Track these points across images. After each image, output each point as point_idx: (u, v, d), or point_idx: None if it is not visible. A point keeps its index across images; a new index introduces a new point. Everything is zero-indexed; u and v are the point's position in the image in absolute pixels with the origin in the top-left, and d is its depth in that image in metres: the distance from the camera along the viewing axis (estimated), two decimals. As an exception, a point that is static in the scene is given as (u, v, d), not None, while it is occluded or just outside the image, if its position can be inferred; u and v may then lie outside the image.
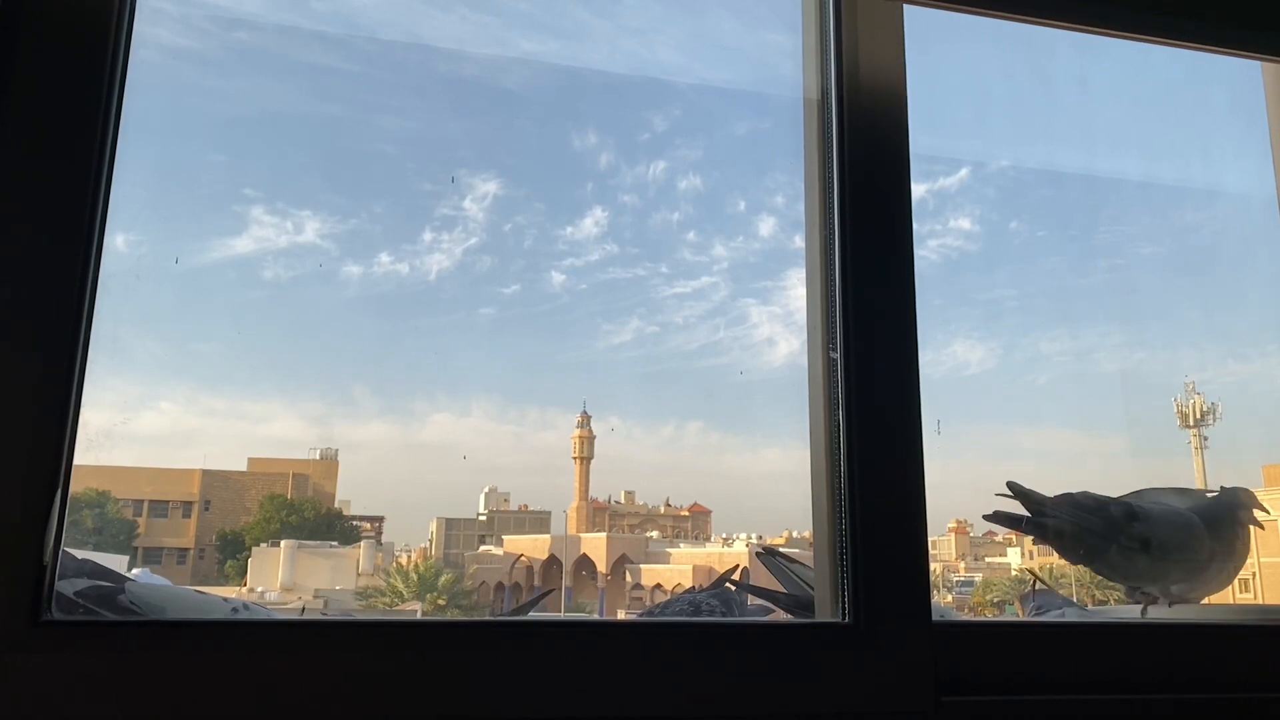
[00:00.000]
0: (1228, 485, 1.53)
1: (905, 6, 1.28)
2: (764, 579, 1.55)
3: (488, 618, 1.29)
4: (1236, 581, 1.50)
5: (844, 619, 1.13)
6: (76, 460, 0.96)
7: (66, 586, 1.05)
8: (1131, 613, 1.45)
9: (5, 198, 0.96)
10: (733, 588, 1.51)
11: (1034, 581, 1.79)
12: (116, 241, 1.04)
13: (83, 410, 0.98)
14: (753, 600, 1.47)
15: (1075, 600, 1.74)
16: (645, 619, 1.36)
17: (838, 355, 1.19)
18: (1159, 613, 1.46)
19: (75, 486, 0.96)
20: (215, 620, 1.08)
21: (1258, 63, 1.59)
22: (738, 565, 1.61)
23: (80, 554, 1.23)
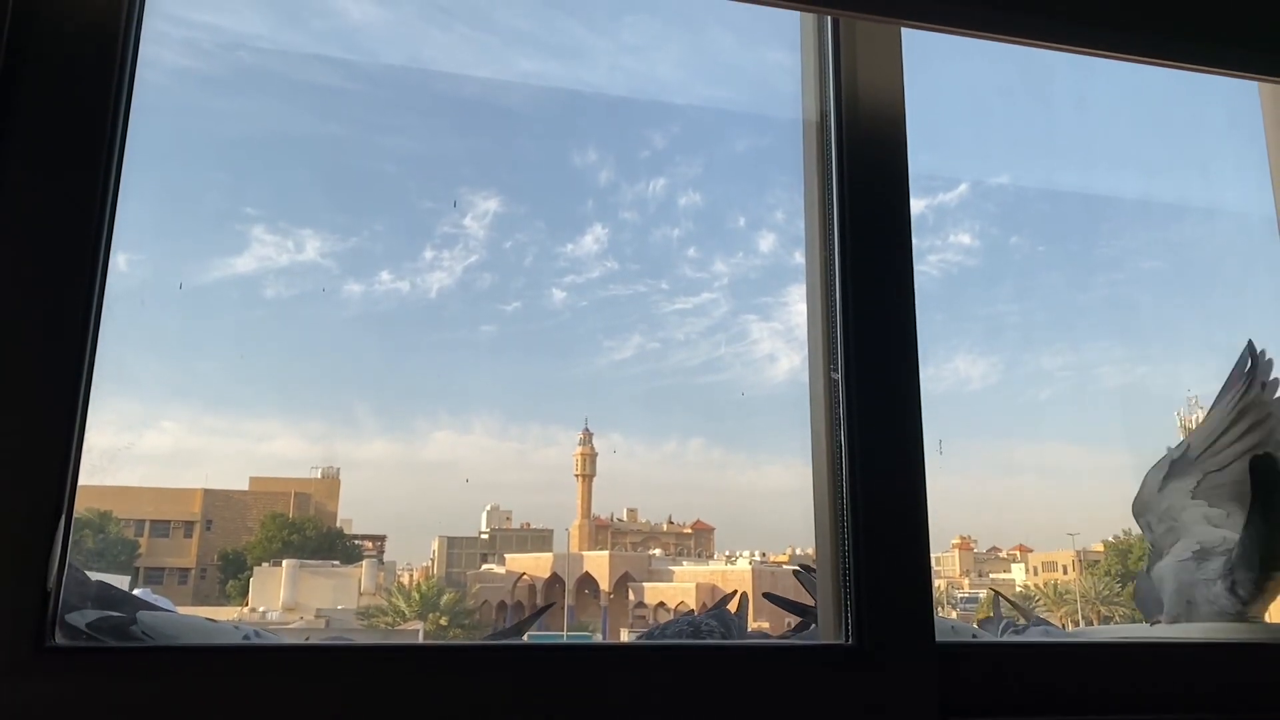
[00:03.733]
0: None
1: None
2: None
3: (492, 641, 1.28)
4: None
5: (847, 640, 1.12)
6: (80, 481, 0.96)
7: (78, 618, 1.04)
8: (1135, 630, 1.44)
9: (12, 220, 0.97)
10: (727, 607, 1.52)
11: (993, 597, 1.77)
12: (118, 261, 1.04)
13: (87, 431, 0.98)
14: (754, 625, 1.48)
15: (1050, 618, 1.73)
16: (646, 642, 1.35)
17: (839, 376, 1.19)
18: (1170, 630, 1.46)
19: (77, 508, 0.96)
20: (219, 645, 1.08)
21: (1254, 81, 1.60)
22: (737, 591, 1.61)
23: (92, 575, 1.22)
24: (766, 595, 1.56)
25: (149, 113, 1.11)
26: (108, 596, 1.15)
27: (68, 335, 0.96)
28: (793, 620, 1.54)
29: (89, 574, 1.20)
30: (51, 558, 0.91)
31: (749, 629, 1.58)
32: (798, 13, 1.36)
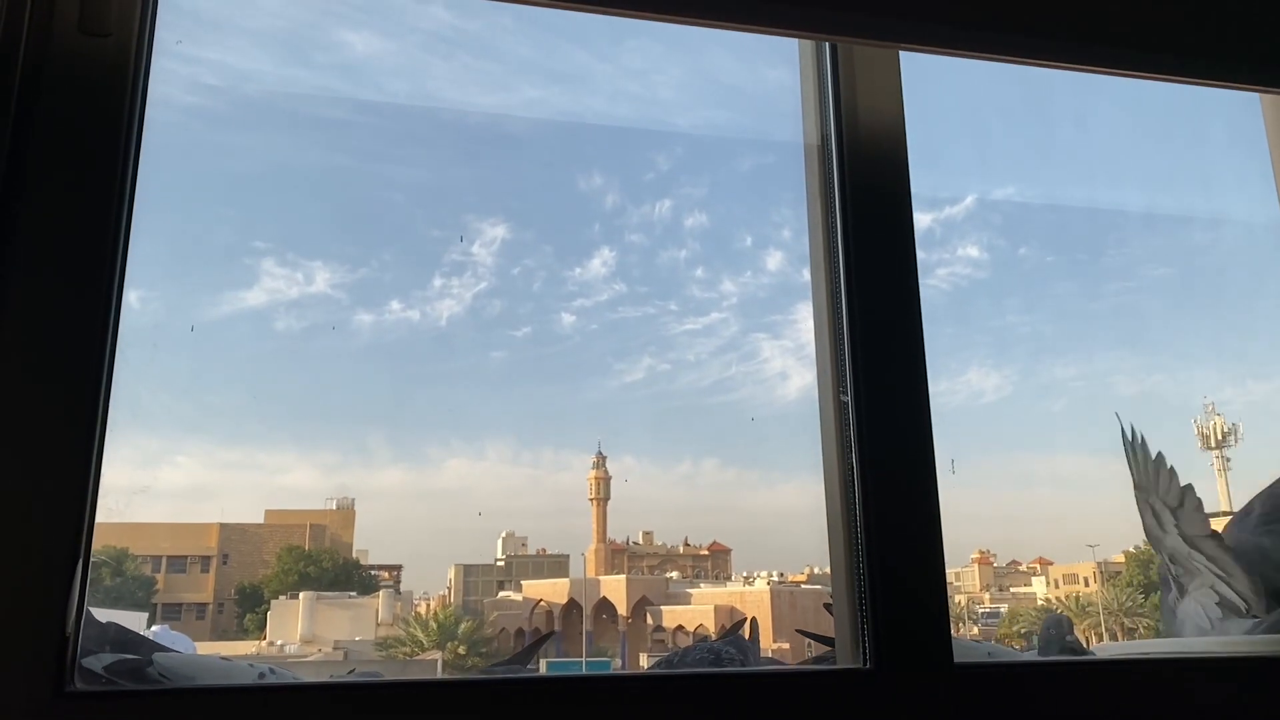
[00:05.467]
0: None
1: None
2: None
3: (513, 674, 1.28)
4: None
5: (865, 664, 1.12)
6: (97, 520, 0.97)
7: (94, 662, 1.05)
8: (1155, 646, 1.43)
9: (28, 261, 0.98)
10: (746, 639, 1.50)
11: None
12: (129, 298, 1.05)
13: (103, 471, 0.98)
14: (775, 645, 1.47)
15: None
16: (669, 671, 1.35)
17: (848, 399, 1.19)
18: (1191, 644, 1.44)
19: (94, 547, 0.97)
20: (236, 685, 1.08)
21: (1254, 93, 1.59)
22: (747, 618, 1.61)
23: (102, 615, 1.23)
24: (800, 631, 1.56)
25: (158, 150, 1.12)
26: (124, 639, 1.15)
27: (82, 376, 0.96)
28: (813, 642, 1.53)
29: (105, 615, 1.20)
30: (70, 602, 0.92)
31: (769, 650, 1.57)
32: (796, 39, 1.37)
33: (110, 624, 1.21)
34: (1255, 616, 1.39)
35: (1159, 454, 1.43)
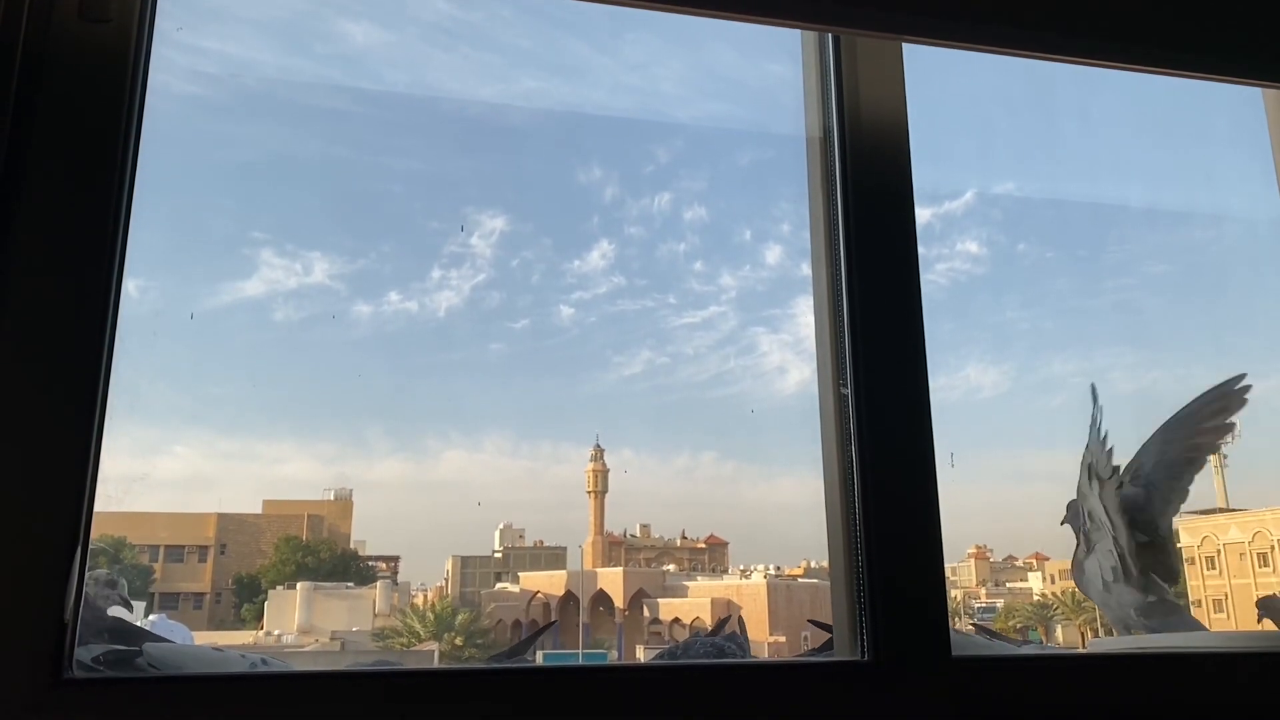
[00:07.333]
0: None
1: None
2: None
3: (509, 665, 1.28)
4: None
5: (863, 656, 1.12)
6: (95, 509, 0.97)
7: (84, 653, 1.04)
8: (1153, 641, 1.43)
9: (27, 251, 0.98)
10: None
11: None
12: (128, 287, 1.04)
13: (101, 460, 0.98)
14: (771, 638, 1.47)
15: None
16: (669, 663, 1.35)
17: (849, 391, 1.19)
18: (1190, 640, 1.45)
19: (92, 535, 0.96)
20: (235, 674, 1.08)
21: (1257, 88, 1.59)
22: (731, 614, 1.63)
23: (109, 609, 1.23)
24: (812, 621, 1.58)
25: (158, 139, 1.12)
26: (123, 630, 1.15)
27: (81, 365, 0.96)
28: (810, 635, 1.54)
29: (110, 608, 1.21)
30: (68, 590, 0.92)
31: (765, 644, 1.57)
32: (799, 30, 1.37)
33: (112, 616, 1.21)
34: (1138, 588, 1.48)
35: (1106, 432, 1.63)
